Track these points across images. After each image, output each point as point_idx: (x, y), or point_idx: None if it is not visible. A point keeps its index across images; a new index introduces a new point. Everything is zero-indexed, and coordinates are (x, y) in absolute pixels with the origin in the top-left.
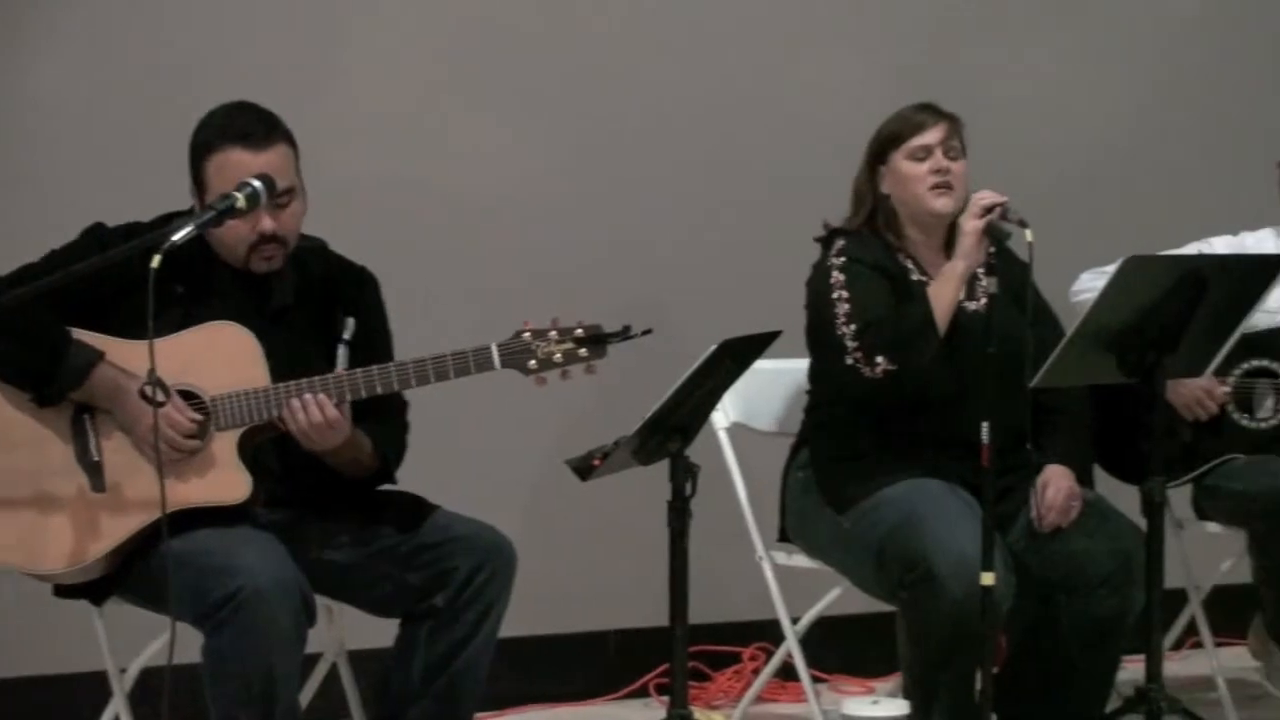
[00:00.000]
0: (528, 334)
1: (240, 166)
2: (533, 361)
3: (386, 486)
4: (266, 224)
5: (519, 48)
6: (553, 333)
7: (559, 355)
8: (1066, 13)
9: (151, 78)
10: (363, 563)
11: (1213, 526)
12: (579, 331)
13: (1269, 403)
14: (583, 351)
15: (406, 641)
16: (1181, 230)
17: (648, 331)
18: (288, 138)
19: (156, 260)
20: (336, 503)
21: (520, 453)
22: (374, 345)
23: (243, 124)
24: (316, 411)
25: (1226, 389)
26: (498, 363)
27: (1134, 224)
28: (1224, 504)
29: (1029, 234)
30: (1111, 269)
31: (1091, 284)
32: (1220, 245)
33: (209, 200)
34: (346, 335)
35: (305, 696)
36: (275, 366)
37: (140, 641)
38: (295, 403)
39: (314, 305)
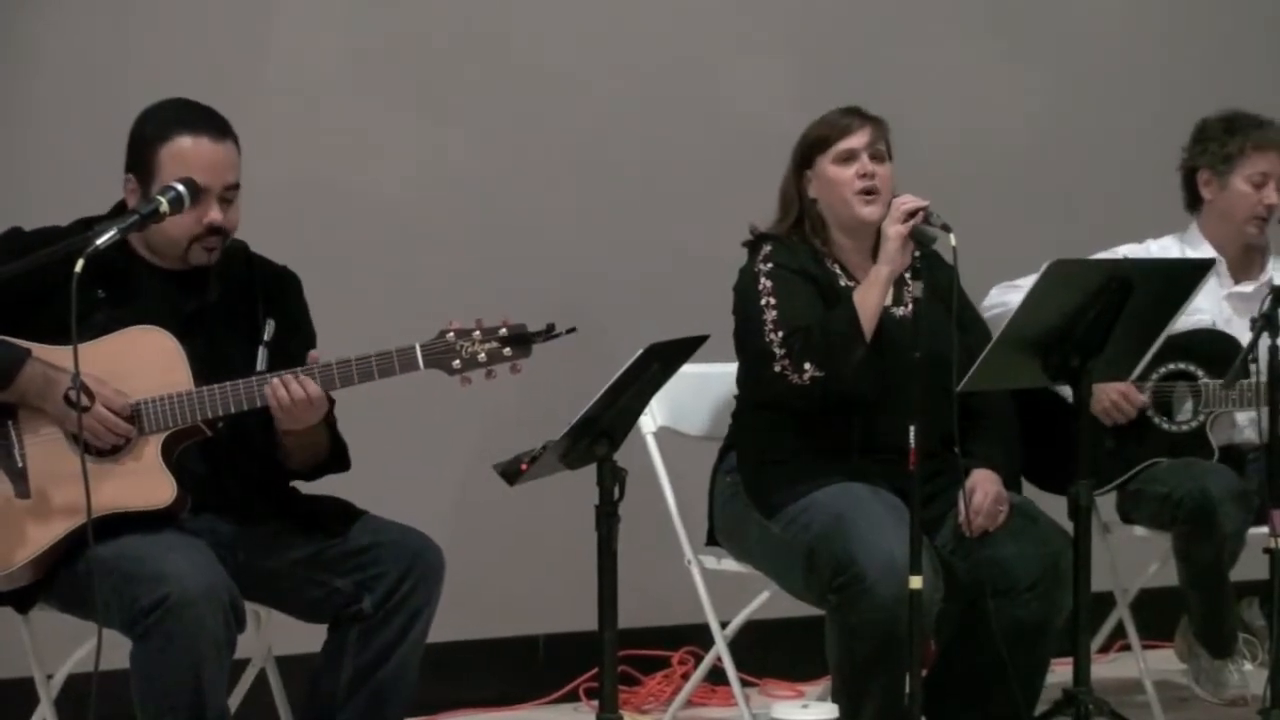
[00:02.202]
0: (452, 334)
1: (201, 152)
2: (457, 361)
3: (313, 491)
4: (215, 215)
5: (445, 47)
6: (476, 332)
7: (483, 355)
8: (992, 16)
9: (70, 81)
10: (290, 568)
11: (1139, 530)
12: (503, 331)
13: (1188, 405)
14: (507, 351)
15: (334, 647)
16: (1106, 233)
17: (572, 330)
18: (236, 136)
19: (80, 265)
20: (263, 508)
21: (447, 457)
22: (297, 345)
23: (200, 115)
24: (298, 388)
25: (1144, 398)
26: (422, 363)
27: (1056, 227)
28: (1148, 508)
29: (952, 238)
30: (1022, 281)
31: (1000, 299)
32: (1126, 253)
33: (156, 187)
34: (266, 337)
35: (233, 702)
36: (197, 369)
37: (67, 647)
38: (275, 381)
39: (236, 307)
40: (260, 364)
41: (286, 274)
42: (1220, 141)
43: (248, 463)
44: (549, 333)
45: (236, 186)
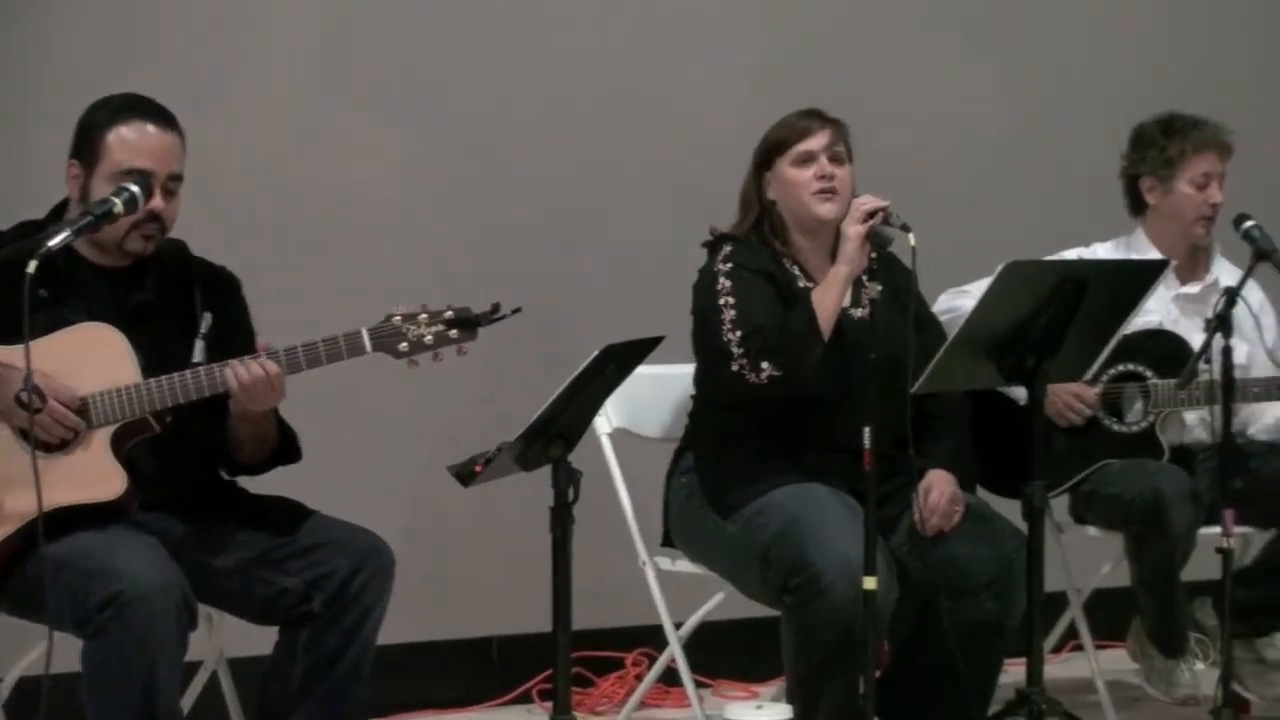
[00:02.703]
0: (398, 318)
1: (146, 138)
2: (404, 344)
3: (262, 491)
4: (156, 201)
5: (410, 47)
6: (423, 315)
7: (429, 337)
8: (954, 20)
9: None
10: (239, 567)
11: (1092, 530)
12: (448, 313)
13: (1138, 406)
14: (453, 333)
15: (285, 648)
16: (1064, 236)
17: (517, 310)
18: (182, 131)
19: (33, 266)
20: (212, 506)
21: (401, 458)
22: (235, 342)
23: (148, 105)
24: (258, 368)
25: (1097, 390)
26: (369, 346)
27: (1013, 229)
28: (1101, 508)
29: (911, 238)
30: (971, 287)
31: (950, 304)
32: (1072, 257)
33: (100, 171)
34: (203, 330)
35: (185, 705)
36: (141, 364)
37: (17, 650)
38: (235, 362)
39: (175, 303)
40: (197, 355)
41: (225, 274)
42: (1160, 146)
43: (197, 460)
44: (494, 314)
45: (179, 178)
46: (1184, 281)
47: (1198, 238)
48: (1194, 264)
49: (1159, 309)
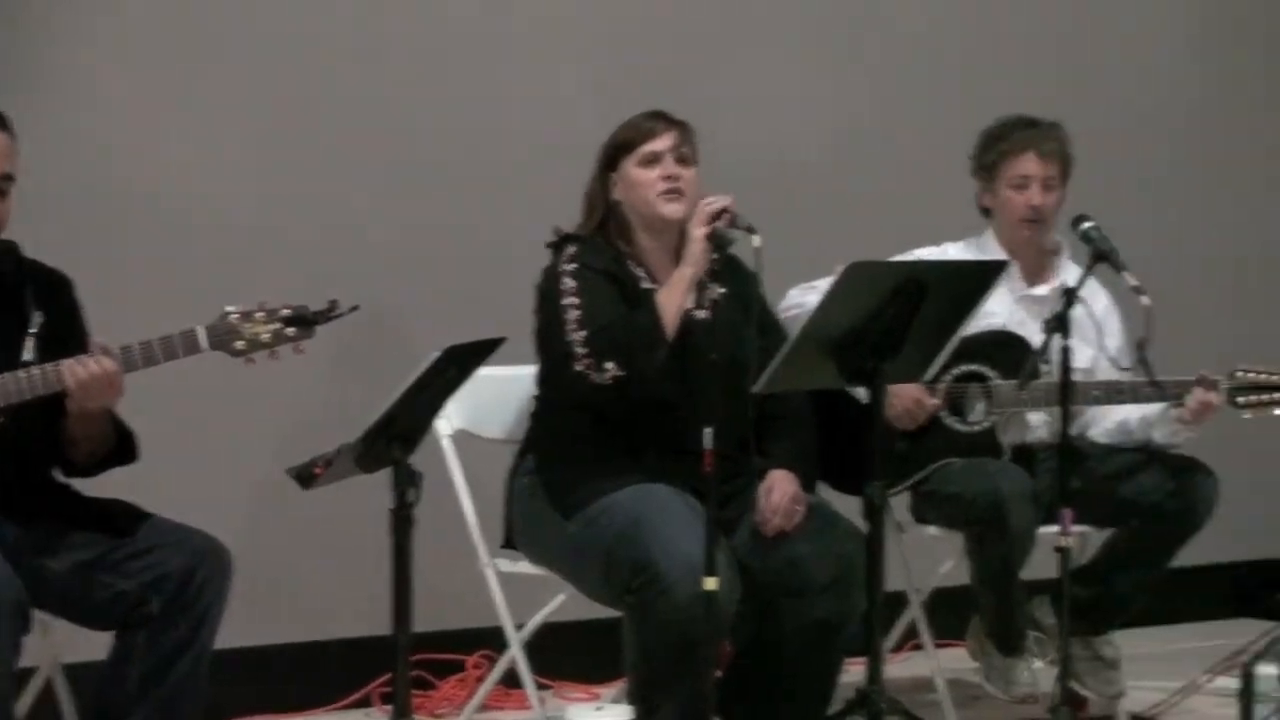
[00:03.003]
0: (235, 316)
1: None
2: (240, 343)
3: (99, 494)
4: None
5: (240, 50)
6: (259, 314)
7: (266, 335)
8: (796, 19)
9: None
10: (74, 570)
11: (932, 530)
12: (285, 311)
13: (980, 406)
14: (290, 331)
15: (122, 651)
16: (912, 236)
17: (355, 308)
18: (13, 131)
19: None
20: (46, 509)
21: (239, 460)
22: (68, 342)
23: None
24: (95, 366)
25: (936, 400)
26: (205, 344)
27: (859, 230)
28: (941, 508)
29: (756, 239)
30: (820, 283)
31: (800, 299)
32: (923, 255)
33: None
34: (33, 329)
35: (20, 712)
36: None
37: None
38: (70, 360)
39: (6, 303)
40: (27, 354)
41: (57, 274)
42: (985, 151)
43: (30, 462)
44: (330, 312)
45: (11, 178)
46: (1031, 284)
47: (1026, 240)
48: (1040, 267)
49: (1003, 310)
